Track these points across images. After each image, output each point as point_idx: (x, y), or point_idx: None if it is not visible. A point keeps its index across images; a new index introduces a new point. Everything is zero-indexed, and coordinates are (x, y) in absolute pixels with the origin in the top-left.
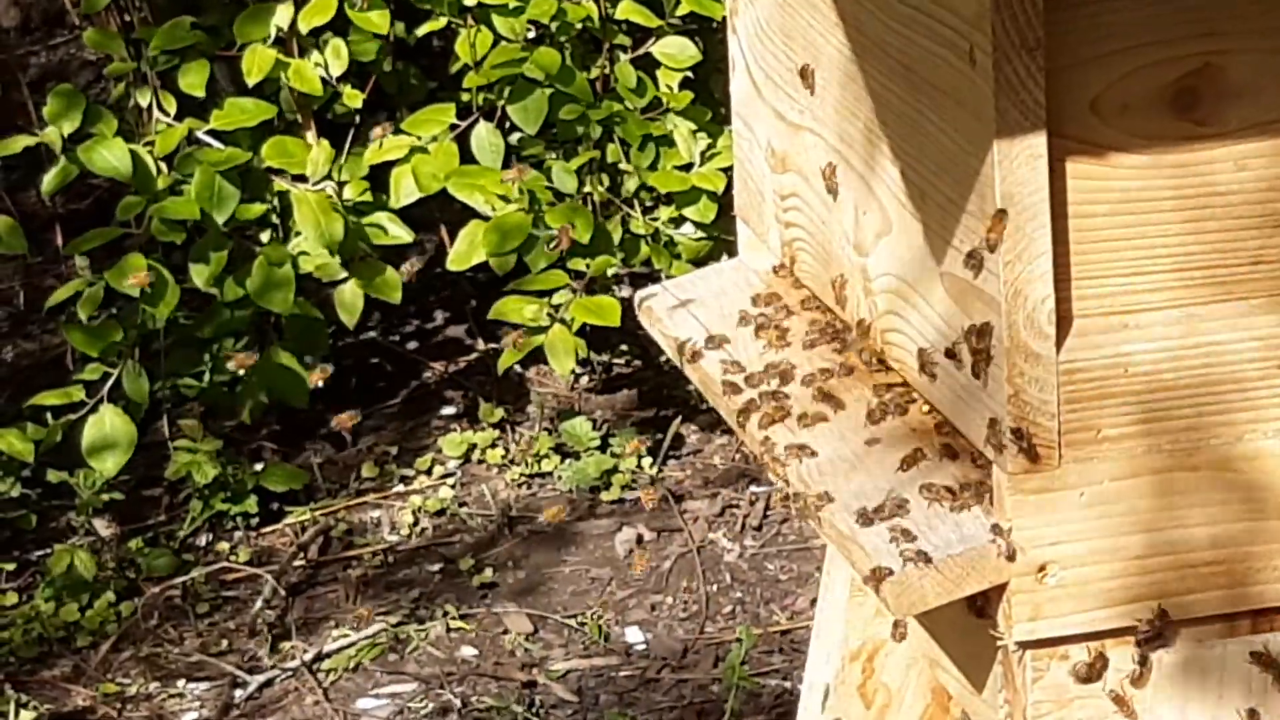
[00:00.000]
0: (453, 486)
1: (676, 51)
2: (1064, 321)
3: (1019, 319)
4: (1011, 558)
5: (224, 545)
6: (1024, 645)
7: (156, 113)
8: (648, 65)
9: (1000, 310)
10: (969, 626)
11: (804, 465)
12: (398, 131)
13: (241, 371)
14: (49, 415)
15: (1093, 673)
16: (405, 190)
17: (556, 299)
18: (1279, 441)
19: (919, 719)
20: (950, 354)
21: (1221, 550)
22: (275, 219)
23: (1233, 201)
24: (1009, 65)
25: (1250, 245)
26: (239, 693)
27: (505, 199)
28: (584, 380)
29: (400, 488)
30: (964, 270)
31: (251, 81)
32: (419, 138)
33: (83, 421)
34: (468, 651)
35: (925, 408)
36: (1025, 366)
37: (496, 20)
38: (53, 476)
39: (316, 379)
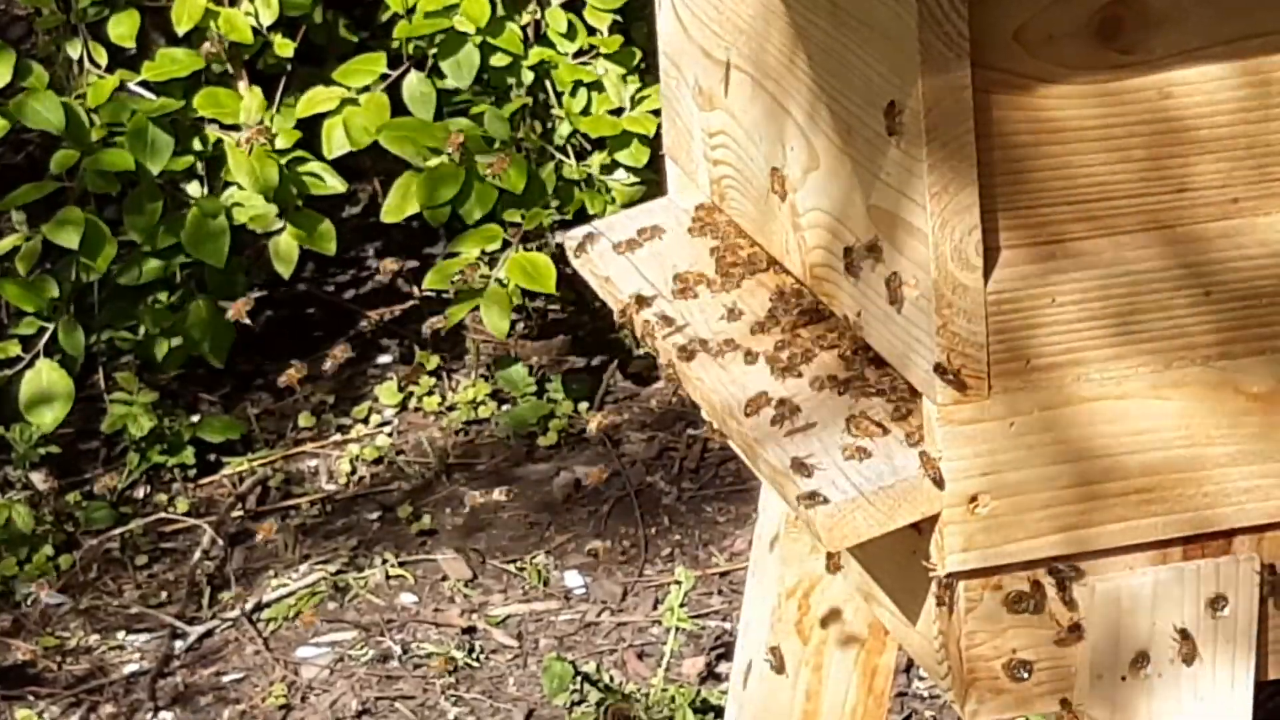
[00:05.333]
0: (390, 434)
1: None
2: (991, 252)
3: (946, 250)
4: (938, 483)
5: (162, 497)
6: (956, 576)
7: (87, 65)
8: (576, 10)
9: (928, 242)
10: (903, 559)
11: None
12: (329, 83)
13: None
14: None
15: (1026, 602)
16: (337, 143)
17: (491, 247)
18: (1206, 369)
19: (855, 652)
20: (859, 268)
21: (1152, 477)
22: (202, 171)
23: (1157, 130)
24: None
25: (1175, 173)
26: (179, 643)
27: (437, 151)
28: (519, 327)
29: (337, 436)
30: (891, 204)
31: (181, 30)
32: (349, 89)
33: (19, 376)
34: (407, 598)
35: (855, 342)
36: (953, 298)
37: None
38: None
39: (239, 310)
